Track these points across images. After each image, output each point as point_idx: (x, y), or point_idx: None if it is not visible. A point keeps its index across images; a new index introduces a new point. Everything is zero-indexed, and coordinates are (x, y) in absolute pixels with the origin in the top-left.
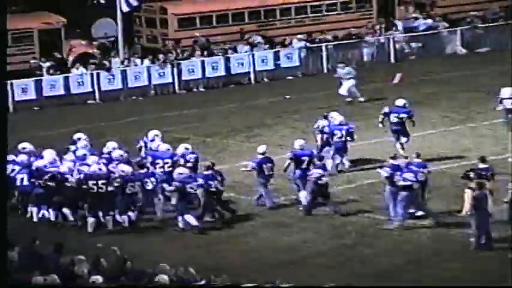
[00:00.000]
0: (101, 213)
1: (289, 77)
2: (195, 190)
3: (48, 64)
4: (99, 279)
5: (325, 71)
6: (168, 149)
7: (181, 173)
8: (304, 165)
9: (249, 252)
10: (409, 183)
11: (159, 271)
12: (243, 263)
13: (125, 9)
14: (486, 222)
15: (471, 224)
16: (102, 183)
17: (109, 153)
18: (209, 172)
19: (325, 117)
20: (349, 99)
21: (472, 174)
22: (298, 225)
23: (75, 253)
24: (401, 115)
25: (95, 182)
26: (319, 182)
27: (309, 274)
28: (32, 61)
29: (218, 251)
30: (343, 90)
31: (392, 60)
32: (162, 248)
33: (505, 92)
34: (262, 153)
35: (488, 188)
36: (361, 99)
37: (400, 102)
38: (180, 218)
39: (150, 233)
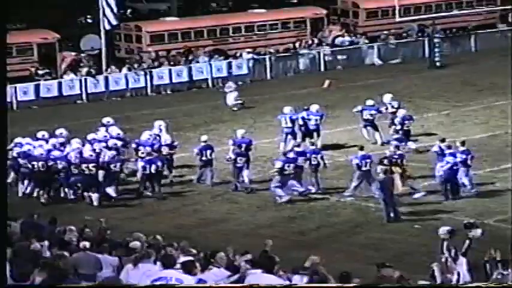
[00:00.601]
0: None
1: (240, 83)
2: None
3: (44, 71)
4: (86, 244)
5: (269, 77)
6: (149, 138)
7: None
8: (242, 150)
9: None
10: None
11: (133, 238)
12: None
13: (107, 27)
14: (392, 200)
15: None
16: (93, 166)
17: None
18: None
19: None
20: (234, 108)
21: (385, 161)
22: (247, 202)
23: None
24: (372, 112)
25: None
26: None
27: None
28: (31, 69)
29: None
30: (228, 101)
31: (322, 69)
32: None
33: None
34: (204, 141)
35: (396, 171)
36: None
37: (370, 102)
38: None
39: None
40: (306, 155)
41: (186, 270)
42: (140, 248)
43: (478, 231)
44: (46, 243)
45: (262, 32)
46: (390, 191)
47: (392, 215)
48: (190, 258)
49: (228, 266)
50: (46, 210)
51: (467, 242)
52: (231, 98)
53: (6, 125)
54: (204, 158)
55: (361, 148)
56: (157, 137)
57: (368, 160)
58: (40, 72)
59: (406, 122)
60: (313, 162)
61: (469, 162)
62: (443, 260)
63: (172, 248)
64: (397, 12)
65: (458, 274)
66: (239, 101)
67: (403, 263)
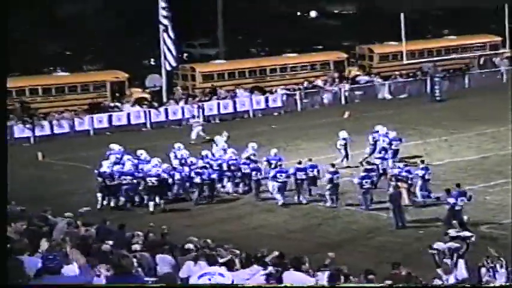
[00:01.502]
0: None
1: (275, 114)
2: None
3: (116, 104)
4: (137, 247)
5: (299, 109)
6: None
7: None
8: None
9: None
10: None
11: (188, 241)
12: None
13: (168, 68)
14: (400, 210)
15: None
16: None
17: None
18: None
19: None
20: (193, 142)
21: (393, 178)
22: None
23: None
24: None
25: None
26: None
27: (288, 245)
28: (105, 102)
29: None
30: (193, 135)
31: (343, 102)
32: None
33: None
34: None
35: (402, 187)
36: (207, 137)
37: (383, 129)
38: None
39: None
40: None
41: (227, 268)
42: (194, 250)
43: (473, 237)
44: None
45: (294, 72)
46: (398, 203)
47: (400, 223)
48: (232, 257)
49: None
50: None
51: (465, 246)
52: (195, 132)
53: (6, 125)
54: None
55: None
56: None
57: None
58: (112, 104)
59: (394, 142)
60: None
61: (426, 177)
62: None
63: (221, 249)
64: (404, 56)
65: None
66: (204, 136)
67: (409, 262)
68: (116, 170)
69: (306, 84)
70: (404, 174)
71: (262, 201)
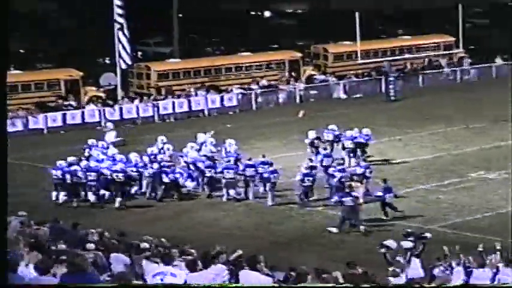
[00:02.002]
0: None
1: (230, 113)
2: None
3: (70, 102)
4: (91, 246)
5: (254, 108)
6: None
7: None
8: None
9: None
10: None
11: (143, 240)
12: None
13: (123, 66)
14: (354, 209)
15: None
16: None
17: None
18: None
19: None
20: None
21: (348, 178)
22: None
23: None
24: (356, 140)
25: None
26: None
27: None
28: (59, 101)
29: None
30: (108, 140)
31: (298, 101)
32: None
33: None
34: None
35: (356, 186)
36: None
37: (348, 133)
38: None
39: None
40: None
41: (190, 268)
42: (149, 249)
43: (429, 235)
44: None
45: (249, 71)
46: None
47: (353, 221)
48: (192, 257)
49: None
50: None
51: (422, 246)
52: (111, 137)
53: (6, 126)
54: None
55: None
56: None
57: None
58: (66, 103)
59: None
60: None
61: (367, 174)
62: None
63: (176, 249)
64: (359, 55)
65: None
66: (118, 139)
67: (363, 260)
68: (83, 166)
69: (252, 84)
70: (359, 172)
71: (212, 198)
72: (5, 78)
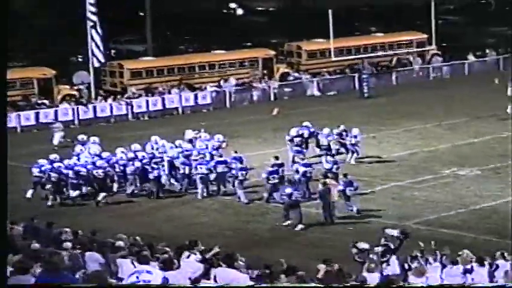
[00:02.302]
0: None
1: (204, 110)
2: None
3: (43, 101)
4: (68, 245)
5: (228, 106)
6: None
7: None
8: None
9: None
10: None
11: (118, 238)
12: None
13: (96, 64)
14: (328, 207)
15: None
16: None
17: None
18: None
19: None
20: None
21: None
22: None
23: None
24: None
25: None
26: None
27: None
28: (32, 99)
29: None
30: (55, 141)
31: (272, 99)
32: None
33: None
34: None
35: (331, 183)
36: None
37: (326, 130)
38: None
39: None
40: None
41: (166, 267)
42: (124, 247)
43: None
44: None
45: (223, 69)
46: (327, 200)
47: (329, 219)
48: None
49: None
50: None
51: (398, 242)
52: (57, 137)
53: (6, 127)
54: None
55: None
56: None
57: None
58: (39, 101)
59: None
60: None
61: (334, 170)
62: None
63: (151, 248)
64: (332, 53)
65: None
66: (66, 140)
67: (341, 258)
68: (66, 164)
69: (222, 82)
70: (334, 170)
71: (186, 195)
72: (5, 79)
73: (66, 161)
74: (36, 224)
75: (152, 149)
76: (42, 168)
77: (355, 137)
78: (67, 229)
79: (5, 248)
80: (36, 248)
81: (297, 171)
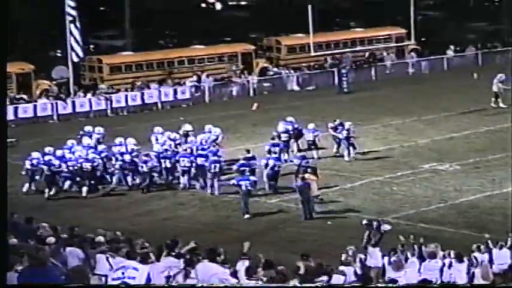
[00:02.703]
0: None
1: (183, 105)
2: None
3: (22, 96)
4: (51, 240)
5: (207, 101)
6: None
7: None
8: None
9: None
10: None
11: (98, 234)
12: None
13: (75, 59)
14: (307, 202)
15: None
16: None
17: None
18: None
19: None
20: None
21: (301, 170)
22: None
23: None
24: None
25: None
26: None
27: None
28: (11, 94)
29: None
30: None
31: (251, 94)
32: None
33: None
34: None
35: (310, 178)
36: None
37: (310, 126)
38: None
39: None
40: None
41: (143, 261)
42: (104, 243)
43: (387, 226)
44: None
45: (202, 64)
46: (307, 195)
47: (308, 214)
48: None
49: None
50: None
51: (379, 235)
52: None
53: (6, 128)
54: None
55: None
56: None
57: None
58: (17, 96)
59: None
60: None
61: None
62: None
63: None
64: (311, 47)
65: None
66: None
67: (319, 252)
68: (58, 155)
69: (195, 77)
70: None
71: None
72: (4, 75)
73: (58, 152)
74: (15, 219)
75: (157, 141)
76: (34, 162)
77: (348, 130)
78: (44, 224)
79: (5, 248)
80: (14, 244)
81: (266, 165)
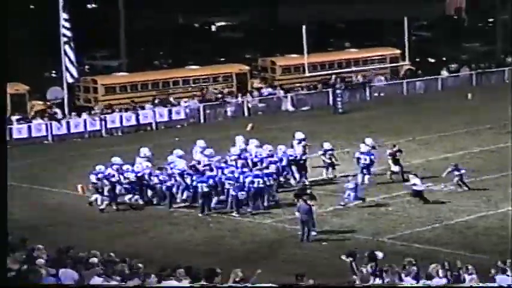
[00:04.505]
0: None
1: (178, 126)
2: None
3: (17, 117)
4: (42, 261)
5: (202, 121)
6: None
7: None
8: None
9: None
10: None
11: (92, 255)
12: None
13: (70, 80)
14: (308, 225)
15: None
16: None
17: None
18: None
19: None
20: None
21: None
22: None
23: None
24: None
25: None
26: None
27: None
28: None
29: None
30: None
31: (246, 114)
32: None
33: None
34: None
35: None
36: None
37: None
38: None
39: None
40: None
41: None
42: (98, 264)
43: (381, 254)
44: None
45: (197, 84)
46: (310, 216)
47: (306, 235)
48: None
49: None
50: None
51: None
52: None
53: (5, 128)
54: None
55: None
56: None
57: None
58: (12, 117)
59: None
60: None
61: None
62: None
63: (125, 264)
64: (306, 68)
65: None
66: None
67: (314, 273)
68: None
69: (186, 99)
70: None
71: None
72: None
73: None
74: (9, 240)
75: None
76: (99, 176)
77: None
78: (40, 246)
79: (5, 248)
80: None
81: (245, 178)
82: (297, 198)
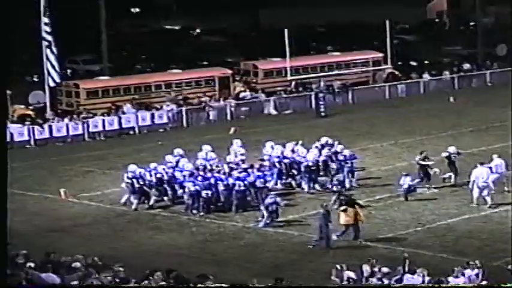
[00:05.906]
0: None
1: (161, 130)
2: None
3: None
4: (31, 265)
5: (185, 125)
6: None
7: None
8: None
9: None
10: None
11: (75, 259)
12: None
13: (52, 84)
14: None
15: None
16: None
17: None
18: None
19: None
20: None
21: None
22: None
23: None
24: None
25: None
26: None
27: (176, 262)
28: None
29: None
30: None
31: (229, 118)
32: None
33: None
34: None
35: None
36: None
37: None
38: None
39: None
40: None
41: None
42: (80, 268)
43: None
44: None
45: (179, 88)
46: (328, 221)
47: (325, 242)
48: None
49: None
50: None
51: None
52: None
53: (5, 128)
54: None
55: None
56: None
57: None
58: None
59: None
60: None
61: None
62: None
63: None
64: (288, 71)
65: None
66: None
67: (297, 277)
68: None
69: (168, 103)
70: None
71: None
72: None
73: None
74: None
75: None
76: (130, 175)
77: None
78: (24, 251)
79: (5, 248)
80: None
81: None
82: (350, 206)
